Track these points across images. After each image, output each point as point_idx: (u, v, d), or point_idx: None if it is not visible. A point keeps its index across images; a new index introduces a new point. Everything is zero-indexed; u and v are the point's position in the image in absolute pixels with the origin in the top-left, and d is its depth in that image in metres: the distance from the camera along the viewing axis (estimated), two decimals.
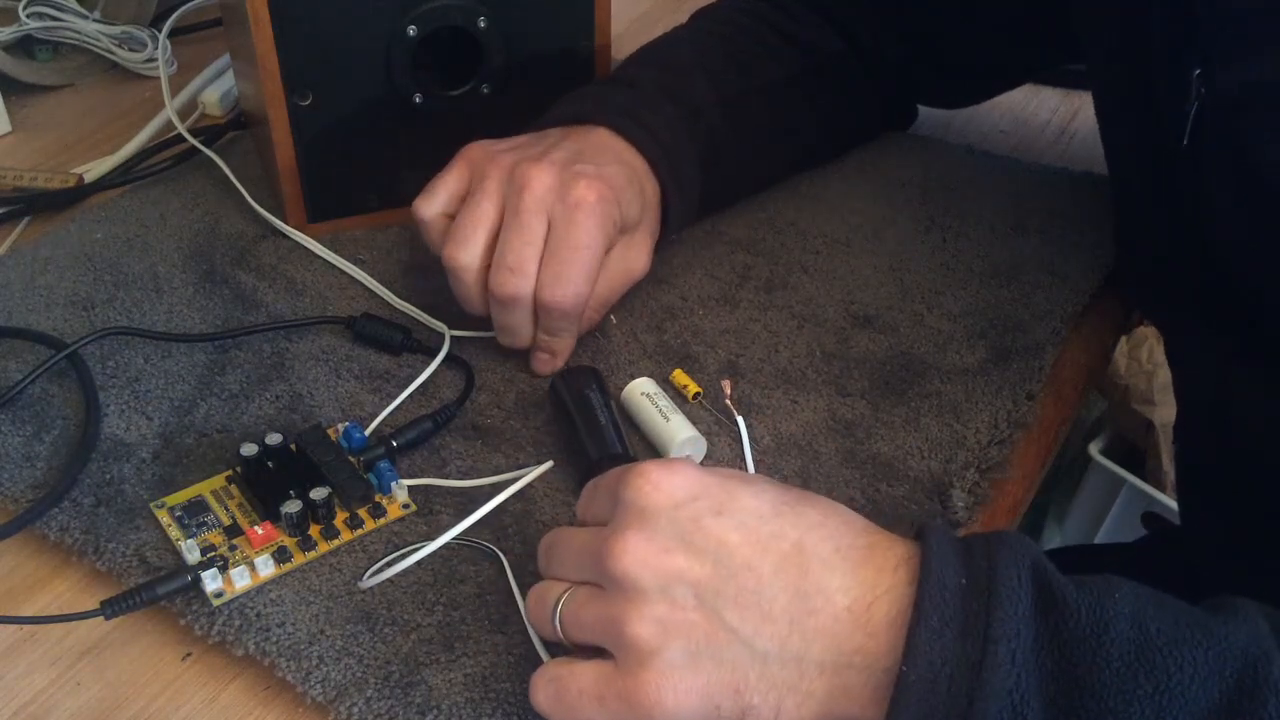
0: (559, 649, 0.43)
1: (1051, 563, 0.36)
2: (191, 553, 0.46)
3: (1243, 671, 0.33)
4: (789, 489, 0.39)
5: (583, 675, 0.37)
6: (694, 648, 0.36)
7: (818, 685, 0.35)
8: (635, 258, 0.57)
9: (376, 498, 0.49)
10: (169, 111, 0.74)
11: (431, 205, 0.55)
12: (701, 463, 0.52)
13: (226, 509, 0.49)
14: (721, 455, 0.52)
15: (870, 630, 0.35)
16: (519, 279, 0.52)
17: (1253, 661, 0.33)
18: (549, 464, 0.49)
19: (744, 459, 0.52)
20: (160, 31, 0.81)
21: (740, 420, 0.52)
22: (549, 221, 0.53)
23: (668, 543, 0.36)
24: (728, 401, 0.53)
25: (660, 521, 0.37)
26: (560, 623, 0.39)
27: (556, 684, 0.38)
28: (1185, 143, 0.47)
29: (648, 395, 0.53)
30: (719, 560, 0.36)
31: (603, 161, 0.55)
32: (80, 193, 0.71)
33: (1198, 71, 0.46)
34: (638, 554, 0.36)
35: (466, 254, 0.53)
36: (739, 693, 0.36)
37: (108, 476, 0.50)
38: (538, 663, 0.43)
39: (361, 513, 0.48)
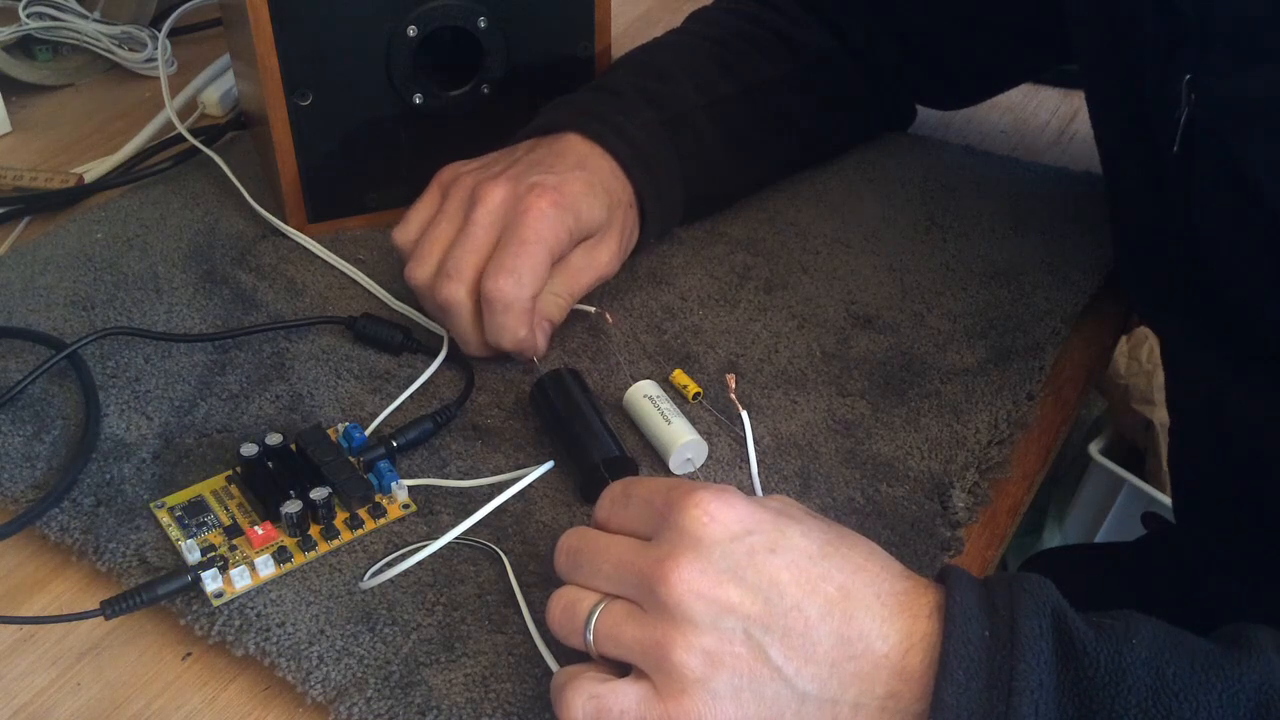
0: (563, 651, 0.43)
1: (1068, 604, 0.37)
2: (191, 553, 0.46)
3: (1255, 712, 0.34)
4: (829, 524, 0.40)
5: (625, 695, 0.37)
6: (738, 681, 0.36)
7: None
8: (600, 254, 0.57)
9: (376, 498, 0.49)
10: (169, 111, 0.74)
11: (407, 232, 0.57)
12: (703, 465, 0.52)
13: (226, 509, 0.49)
14: (721, 455, 0.52)
15: (906, 677, 0.36)
16: (454, 284, 0.53)
17: (1265, 701, 0.34)
18: (550, 464, 0.49)
19: (747, 456, 0.52)
20: (160, 31, 0.81)
21: (744, 415, 0.52)
22: (501, 233, 0.54)
23: (721, 575, 0.37)
24: (732, 396, 0.53)
25: (715, 553, 0.37)
26: (593, 635, 0.39)
27: (597, 701, 0.37)
28: (1176, 149, 0.47)
29: (650, 398, 0.53)
30: (770, 599, 0.37)
31: (562, 169, 0.56)
32: (80, 193, 0.71)
33: (1188, 78, 0.45)
34: (692, 584, 0.37)
35: (423, 271, 0.55)
36: None
37: (108, 476, 0.50)
38: (538, 663, 0.43)
39: (361, 513, 0.48)
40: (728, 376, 0.54)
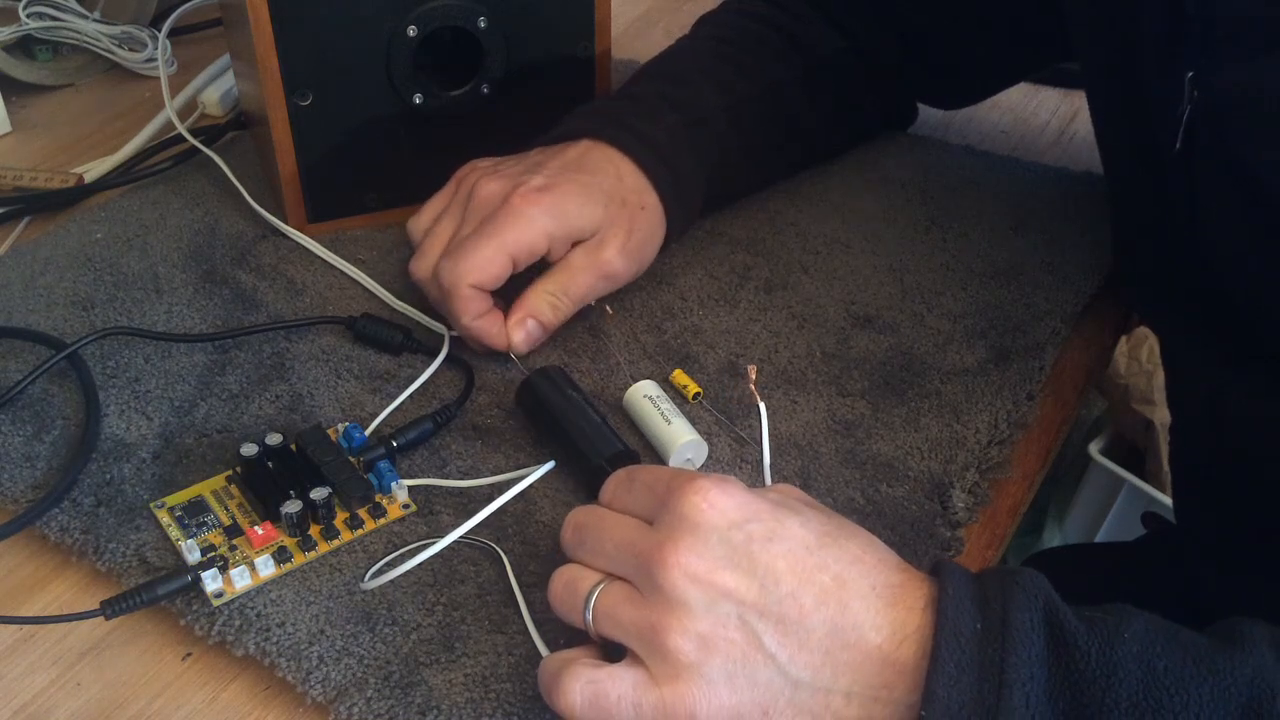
0: (561, 649, 0.42)
1: (1061, 599, 0.37)
2: (191, 553, 0.46)
3: (1247, 707, 0.34)
4: (829, 516, 0.40)
5: (621, 680, 0.38)
6: (731, 666, 0.37)
7: (843, 714, 0.37)
8: (603, 255, 0.57)
9: (376, 498, 0.49)
10: (169, 111, 0.74)
11: (419, 224, 0.59)
12: (703, 464, 0.52)
13: (226, 509, 0.49)
14: (721, 455, 0.52)
15: (899, 669, 0.36)
16: (435, 285, 0.55)
17: (1258, 697, 0.34)
18: (550, 464, 0.49)
19: (748, 454, 0.52)
20: (160, 31, 0.81)
21: (762, 406, 0.52)
22: None
23: (717, 561, 0.37)
24: (751, 387, 0.54)
25: (713, 539, 0.38)
26: (592, 615, 0.39)
27: (594, 687, 0.38)
28: (1178, 146, 0.47)
29: (650, 398, 0.53)
30: (765, 586, 0.37)
31: (555, 171, 0.56)
32: (80, 193, 0.71)
33: (1190, 74, 0.46)
34: (689, 568, 0.37)
35: (422, 265, 0.57)
36: (766, 714, 0.37)
37: (108, 476, 0.50)
38: (538, 662, 0.43)
39: (362, 513, 0.48)
40: (749, 368, 0.54)
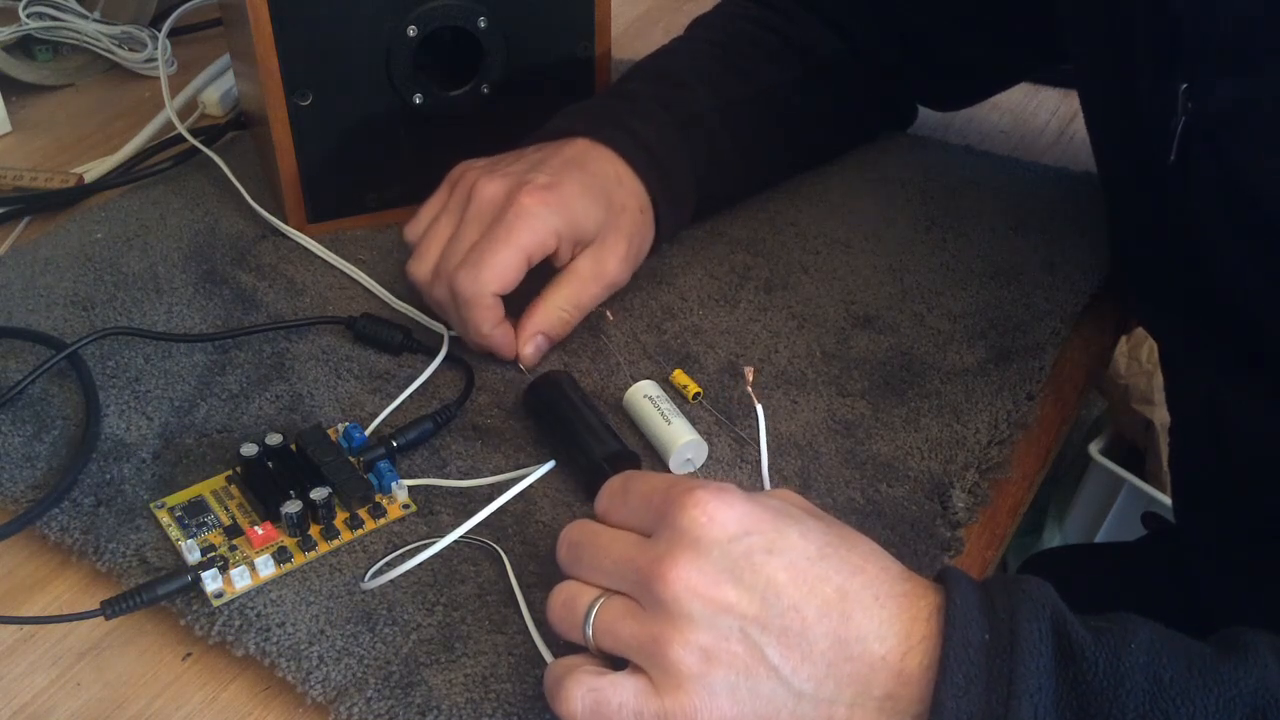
0: (562, 651, 0.43)
1: (1066, 608, 0.37)
2: (191, 553, 0.46)
3: (1250, 716, 0.34)
4: (830, 524, 0.40)
5: (623, 689, 0.38)
6: (734, 679, 0.37)
7: None
8: (608, 262, 0.57)
9: (376, 498, 0.49)
10: (169, 111, 0.74)
11: (416, 228, 0.58)
12: (703, 465, 0.52)
13: (226, 509, 0.49)
14: (721, 455, 0.52)
15: (904, 679, 0.36)
16: (440, 283, 0.55)
17: (1262, 706, 0.34)
18: (551, 464, 0.49)
19: (748, 454, 0.52)
20: (160, 31, 0.81)
21: (760, 408, 0.52)
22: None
23: (719, 575, 0.37)
24: (749, 388, 0.53)
25: (713, 553, 0.37)
26: (592, 630, 0.39)
27: (596, 694, 0.38)
28: (1173, 158, 0.47)
29: (650, 398, 0.53)
30: (767, 599, 0.37)
31: (558, 169, 0.56)
32: (80, 193, 0.71)
33: (1184, 87, 0.45)
34: (689, 582, 0.37)
35: (421, 268, 0.56)
36: None
37: (108, 476, 0.50)
38: (538, 662, 0.43)
39: (362, 513, 0.48)
40: (746, 369, 0.54)
